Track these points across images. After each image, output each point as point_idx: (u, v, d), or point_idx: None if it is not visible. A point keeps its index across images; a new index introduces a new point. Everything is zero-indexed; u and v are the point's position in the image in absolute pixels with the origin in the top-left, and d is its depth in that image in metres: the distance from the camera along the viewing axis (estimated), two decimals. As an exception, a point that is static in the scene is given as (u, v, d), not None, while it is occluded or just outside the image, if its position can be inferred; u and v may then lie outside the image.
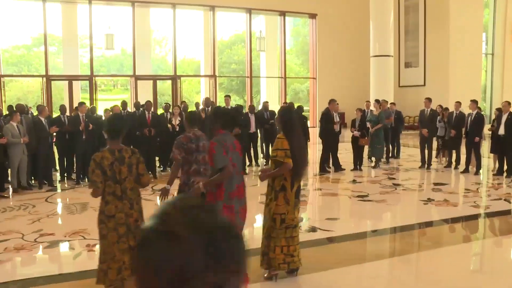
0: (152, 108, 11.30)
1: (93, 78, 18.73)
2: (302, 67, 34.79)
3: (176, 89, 20.66)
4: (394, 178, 9.97)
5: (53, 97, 23.43)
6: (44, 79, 17.76)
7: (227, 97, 12.32)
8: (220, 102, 19.97)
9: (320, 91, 22.83)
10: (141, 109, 10.56)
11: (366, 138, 10.91)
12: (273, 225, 4.38)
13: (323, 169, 10.85)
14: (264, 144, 12.15)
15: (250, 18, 22.09)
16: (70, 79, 18.63)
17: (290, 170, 4.32)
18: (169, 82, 21.62)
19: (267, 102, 12.67)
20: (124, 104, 10.71)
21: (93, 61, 19.26)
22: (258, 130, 12.08)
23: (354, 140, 11.13)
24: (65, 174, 10.00)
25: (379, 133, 11.27)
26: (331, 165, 10.99)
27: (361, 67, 21.46)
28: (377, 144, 11.32)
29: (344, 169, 10.79)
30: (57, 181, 9.91)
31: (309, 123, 23.87)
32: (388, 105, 12.87)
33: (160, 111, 14.80)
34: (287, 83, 28.49)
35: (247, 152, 11.25)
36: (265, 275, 4.50)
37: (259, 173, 4.80)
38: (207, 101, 10.86)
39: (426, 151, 11.03)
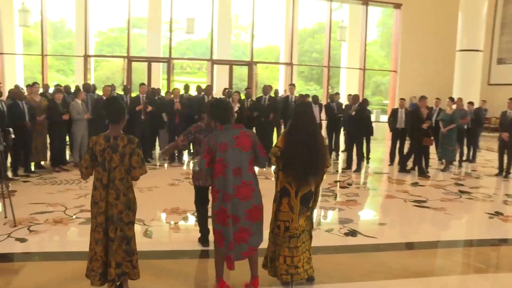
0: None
1: (171, 60, 19.02)
2: (386, 59, 33.17)
3: (252, 75, 20.46)
4: (462, 185, 9.01)
5: (135, 78, 24.31)
6: (126, 60, 18.33)
7: (291, 86, 11.88)
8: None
9: (400, 85, 21.57)
10: (202, 93, 10.44)
11: (431, 138, 9.96)
12: (278, 232, 3.99)
13: (403, 168, 10.06)
14: (327, 136, 11.59)
15: (331, 6, 21.28)
16: (149, 60, 19.11)
17: (292, 173, 3.89)
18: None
19: (337, 93, 12.05)
20: (186, 87, 10.64)
21: (171, 43, 19.55)
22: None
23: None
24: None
25: (452, 133, 10.26)
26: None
27: (445, 62, 19.88)
28: (449, 145, 10.33)
29: (429, 176, 9.70)
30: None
31: (387, 118, 22.83)
32: (466, 104, 11.69)
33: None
34: (369, 75, 27.30)
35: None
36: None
37: None
38: (265, 89, 10.43)
39: (506, 158, 9.88)
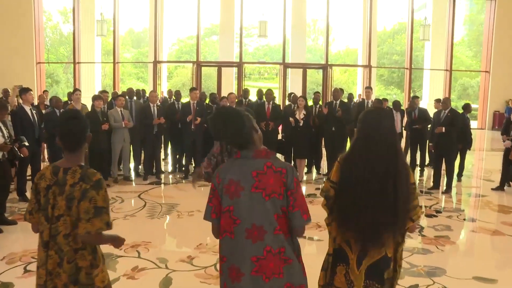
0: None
1: (242, 65, 17.71)
2: (475, 59, 29.63)
3: (327, 79, 18.62)
4: None
5: (210, 84, 23.42)
6: (195, 65, 17.31)
7: (368, 89, 9.96)
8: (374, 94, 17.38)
9: (493, 87, 18.62)
10: (263, 99, 8.85)
11: None
12: None
13: None
14: (410, 148, 9.50)
15: (413, 3, 18.86)
16: (219, 65, 17.97)
17: (352, 227, 2.29)
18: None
19: (417, 97, 9.93)
20: (245, 92, 9.09)
21: (242, 48, 18.28)
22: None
23: (506, 152, 7.86)
24: (177, 166, 8.86)
25: None
26: None
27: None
28: None
29: None
30: (168, 172, 8.83)
31: (476, 124, 19.84)
32: None
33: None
34: (455, 77, 24.28)
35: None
36: None
37: None
38: (336, 93, 8.53)
39: None
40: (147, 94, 9.87)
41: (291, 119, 8.35)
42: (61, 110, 7.15)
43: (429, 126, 8.82)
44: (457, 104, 28.48)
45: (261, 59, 36.95)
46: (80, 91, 7.74)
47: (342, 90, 9.00)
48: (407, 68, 19.66)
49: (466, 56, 30.44)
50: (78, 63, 17.94)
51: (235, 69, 18.73)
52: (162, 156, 9.90)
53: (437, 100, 9.96)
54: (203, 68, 18.48)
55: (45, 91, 11.82)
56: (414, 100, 9.58)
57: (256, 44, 38.38)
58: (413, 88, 27.24)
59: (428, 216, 6.38)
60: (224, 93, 14.57)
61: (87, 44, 19.47)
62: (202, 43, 34.43)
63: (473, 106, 24.24)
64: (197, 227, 5.74)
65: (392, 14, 30.91)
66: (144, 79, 30.57)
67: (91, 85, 19.19)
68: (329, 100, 9.79)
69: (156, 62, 17.19)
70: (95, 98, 7.37)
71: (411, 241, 5.24)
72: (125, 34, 36.83)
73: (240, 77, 17.67)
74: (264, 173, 2.15)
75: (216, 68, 18.42)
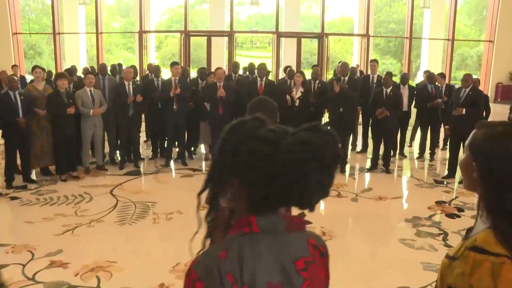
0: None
1: (233, 34, 16.26)
2: (474, 28, 28.18)
3: (323, 49, 17.25)
4: None
5: (201, 54, 21.98)
6: (183, 35, 15.82)
7: (374, 62, 8.72)
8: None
9: (496, 57, 17.38)
10: (255, 74, 7.62)
11: None
12: None
13: None
14: (420, 129, 8.37)
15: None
16: (209, 35, 16.52)
17: None
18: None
19: (431, 72, 8.70)
20: (235, 66, 7.80)
21: (233, 16, 16.80)
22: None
23: None
24: (159, 150, 7.69)
25: None
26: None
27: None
28: None
29: None
30: (147, 159, 7.66)
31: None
32: None
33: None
34: (454, 47, 23.01)
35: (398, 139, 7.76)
36: None
37: None
38: (344, 68, 7.28)
39: None
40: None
41: (288, 97, 7.20)
42: (17, 92, 5.91)
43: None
44: (455, 75, 27.29)
45: (253, 28, 35.25)
46: (40, 68, 6.45)
47: (348, 65, 7.84)
48: (407, 38, 18.31)
49: (464, 25, 28.96)
50: (58, 33, 16.41)
51: (226, 39, 17.29)
52: (144, 138, 8.75)
53: (441, 75, 8.71)
54: (192, 38, 17.00)
55: (14, 66, 10.42)
56: (431, 75, 8.31)
57: (248, 12, 36.58)
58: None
59: (450, 216, 5.32)
60: (215, 64, 13.29)
61: (70, 13, 17.93)
62: (193, 12, 32.63)
63: (474, 77, 23.06)
64: (175, 236, 4.64)
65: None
66: (133, 50, 28.88)
67: (76, 57, 17.78)
68: (335, 76, 8.61)
69: (142, 32, 15.69)
70: (58, 76, 6.13)
71: (433, 255, 4.20)
72: (114, 3, 34.88)
73: (231, 47, 16.25)
74: (313, 261, 1.04)
75: (206, 37, 17.01)
